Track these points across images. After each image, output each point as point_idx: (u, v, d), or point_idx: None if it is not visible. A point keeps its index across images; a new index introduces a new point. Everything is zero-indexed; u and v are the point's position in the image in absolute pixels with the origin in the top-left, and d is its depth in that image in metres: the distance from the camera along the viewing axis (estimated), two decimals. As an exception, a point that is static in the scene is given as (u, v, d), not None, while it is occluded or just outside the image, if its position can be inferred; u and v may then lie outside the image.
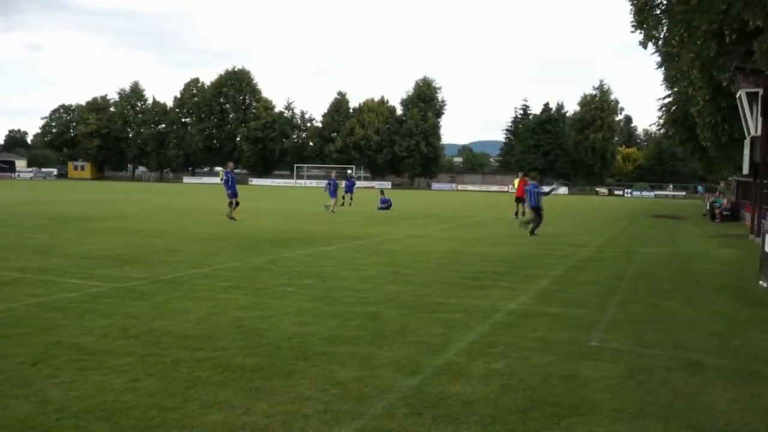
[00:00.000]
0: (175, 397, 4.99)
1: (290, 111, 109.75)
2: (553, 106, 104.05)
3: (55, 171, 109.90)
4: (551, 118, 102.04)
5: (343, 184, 36.67)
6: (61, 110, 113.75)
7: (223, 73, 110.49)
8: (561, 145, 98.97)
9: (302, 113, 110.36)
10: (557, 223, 25.46)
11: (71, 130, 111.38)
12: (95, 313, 7.83)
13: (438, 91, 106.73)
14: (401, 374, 5.71)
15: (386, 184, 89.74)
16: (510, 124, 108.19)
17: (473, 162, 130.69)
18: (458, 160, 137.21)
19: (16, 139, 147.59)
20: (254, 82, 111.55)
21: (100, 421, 4.48)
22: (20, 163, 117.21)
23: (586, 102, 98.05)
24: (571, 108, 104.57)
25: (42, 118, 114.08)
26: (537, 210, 19.93)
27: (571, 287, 10.75)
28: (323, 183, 40.11)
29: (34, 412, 4.61)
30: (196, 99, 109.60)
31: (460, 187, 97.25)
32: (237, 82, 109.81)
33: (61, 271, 10.95)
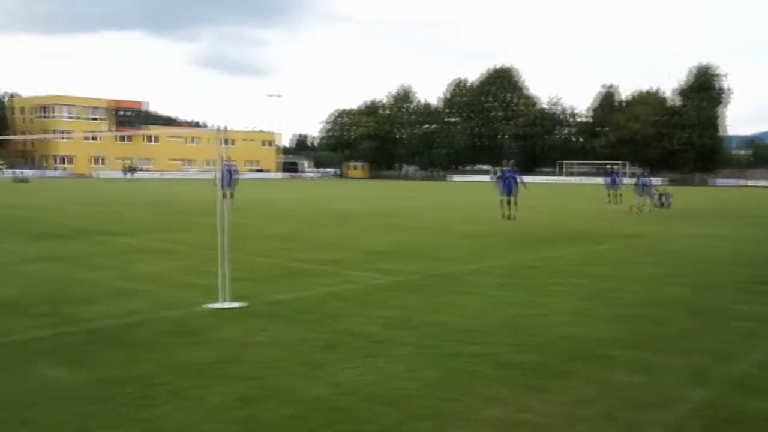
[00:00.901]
0: (455, 389, 5.13)
1: (555, 106, 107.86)
2: None
3: (331, 171, 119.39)
4: None
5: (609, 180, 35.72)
6: (342, 114, 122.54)
7: (487, 71, 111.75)
8: None
9: (570, 108, 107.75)
10: None
11: (351, 133, 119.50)
12: (377, 304, 8.33)
13: (718, 78, 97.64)
14: (689, 383, 5.33)
15: (657, 181, 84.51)
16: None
17: (761, 155, 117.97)
18: (743, 152, 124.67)
19: (302, 142, 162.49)
20: (519, 79, 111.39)
21: (388, 407, 4.74)
22: (307, 164, 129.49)
23: None
24: None
25: (320, 123, 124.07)
26: None
27: None
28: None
29: (329, 393, 5.02)
30: (465, 99, 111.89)
31: (745, 182, 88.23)
32: (502, 80, 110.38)
33: (344, 263, 11.82)
